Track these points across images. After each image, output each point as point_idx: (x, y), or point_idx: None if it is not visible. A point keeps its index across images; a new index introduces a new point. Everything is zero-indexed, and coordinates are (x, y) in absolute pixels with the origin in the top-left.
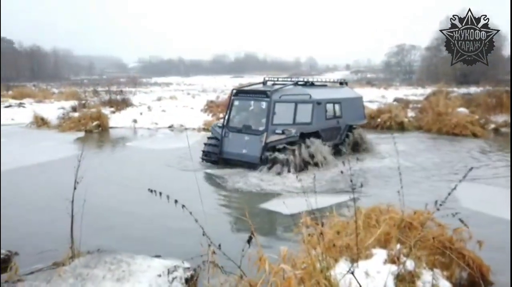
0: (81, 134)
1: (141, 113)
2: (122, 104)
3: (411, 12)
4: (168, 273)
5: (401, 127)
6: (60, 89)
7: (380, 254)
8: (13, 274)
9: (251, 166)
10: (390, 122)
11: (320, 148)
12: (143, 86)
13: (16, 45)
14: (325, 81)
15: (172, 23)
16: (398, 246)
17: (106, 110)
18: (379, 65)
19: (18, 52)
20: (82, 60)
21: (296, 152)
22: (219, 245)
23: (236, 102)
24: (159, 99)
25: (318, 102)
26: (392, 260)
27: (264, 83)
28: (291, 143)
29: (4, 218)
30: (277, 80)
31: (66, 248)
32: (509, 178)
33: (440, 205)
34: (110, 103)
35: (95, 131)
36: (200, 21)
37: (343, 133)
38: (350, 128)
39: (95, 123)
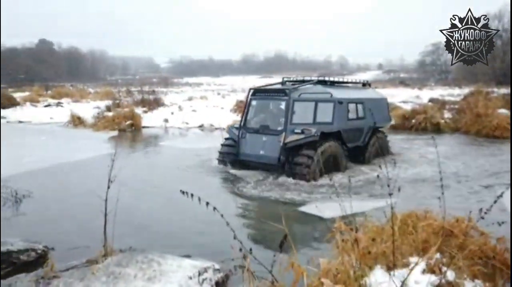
0: (115, 133)
1: (172, 113)
2: (154, 104)
3: (448, 8)
4: (199, 274)
5: (437, 128)
6: (96, 89)
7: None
8: (48, 270)
9: (269, 167)
10: (425, 124)
11: (340, 150)
12: (174, 86)
13: (55, 47)
14: (347, 81)
15: (203, 24)
16: (438, 254)
17: (138, 110)
18: (412, 64)
19: (57, 53)
20: (117, 60)
21: (317, 153)
22: (250, 249)
23: (253, 102)
24: (190, 99)
25: (340, 102)
26: (431, 269)
27: (282, 83)
28: (311, 143)
29: (42, 214)
30: (296, 80)
31: (99, 245)
32: None
33: (485, 213)
34: (143, 103)
35: (128, 130)
36: (229, 21)
37: (366, 135)
38: (374, 130)
39: (128, 122)
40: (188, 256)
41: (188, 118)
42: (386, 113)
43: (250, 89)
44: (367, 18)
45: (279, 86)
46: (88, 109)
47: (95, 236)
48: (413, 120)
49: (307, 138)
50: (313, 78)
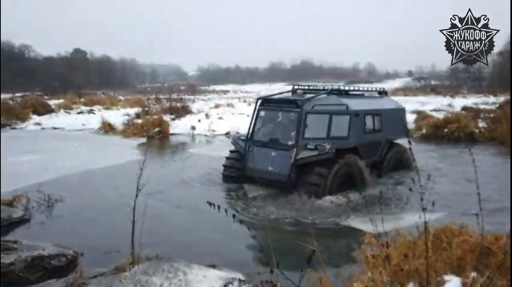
0: (144, 140)
1: (199, 121)
2: (181, 111)
3: (482, 14)
4: (224, 286)
5: (471, 138)
6: (126, 97)
7: (453, 281)
8: (78, 276)
9: (278, 185)
10: (458, 133)
11: (357, 168)
12: (201, 93)
13: (88, 56)
14: (362, 90)
15: (230, 32)
16: (474, 273)
17: (167, 117)
18: (444, 71)
19: (90, 62)
20: (146, 68)
21: (332, 172)
22: (277, 264)
23: (261, 113)
24: (216, 106)
25: (356, 114)
26: None
27: (293, 91)
28: (326, 161)
29: (73, 219)
30: (308, 89)
31: (127, 252)
32: None
33: None
34: (171, 110)
35: (156, 137)
36: (256, 29)
37: (384, 150)
38: (392, 143)
39: (156, 129)
40: (213, 266)
41: (215, 126)
42: (403, 124)
43: (258, 98)
44: (396, 24)
45: (289, 95)
46: (118, 116)
47: (124, 242)
48: (445, 130)
49: (321, 155)
50: (326, 87)
